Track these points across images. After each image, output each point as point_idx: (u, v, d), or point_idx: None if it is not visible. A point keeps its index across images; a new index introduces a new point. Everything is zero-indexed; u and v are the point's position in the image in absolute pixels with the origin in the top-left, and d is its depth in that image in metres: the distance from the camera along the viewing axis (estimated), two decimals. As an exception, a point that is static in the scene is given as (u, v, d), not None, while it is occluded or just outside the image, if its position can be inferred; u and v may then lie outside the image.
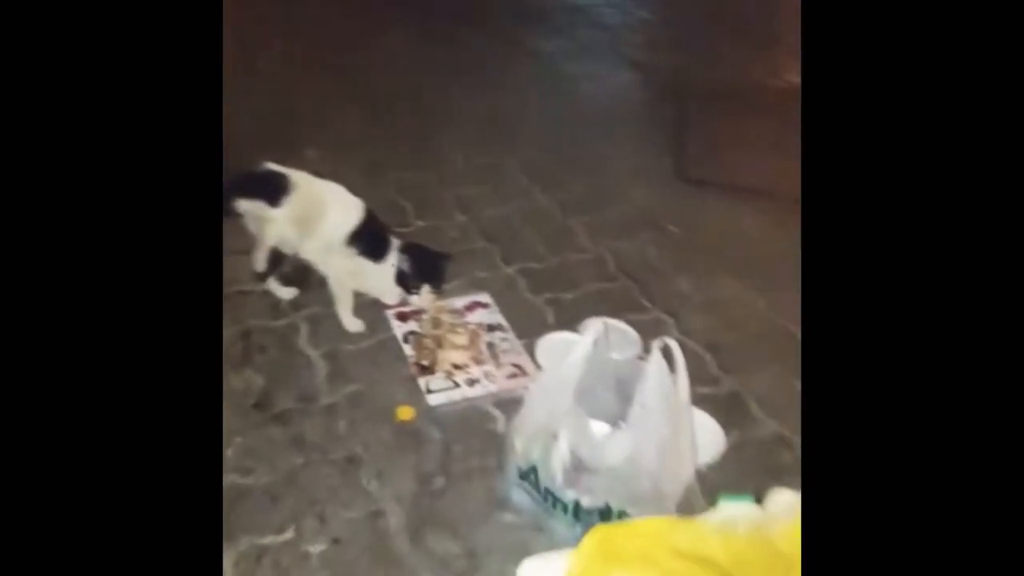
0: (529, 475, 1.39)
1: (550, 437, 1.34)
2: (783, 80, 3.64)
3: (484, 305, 2.01)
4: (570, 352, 1.34)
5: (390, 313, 1.93)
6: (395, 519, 1.42)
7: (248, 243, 1.86)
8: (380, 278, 1.86)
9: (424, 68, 3.38)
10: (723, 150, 2.86)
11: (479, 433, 1.62)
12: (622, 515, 1.30)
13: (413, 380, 1.74)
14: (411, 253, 1.87)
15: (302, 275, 1.95)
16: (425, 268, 1.87)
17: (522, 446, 1.38)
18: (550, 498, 1.35)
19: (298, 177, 1.76)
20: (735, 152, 2.84)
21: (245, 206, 1.73)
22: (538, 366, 1.79)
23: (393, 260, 1.86)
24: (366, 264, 1.83)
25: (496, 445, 1.56)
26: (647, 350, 1.72)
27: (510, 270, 2.16)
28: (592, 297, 2.07)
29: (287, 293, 1.92)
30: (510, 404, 1.66)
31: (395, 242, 1.88)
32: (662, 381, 1.27)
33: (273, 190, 1.71)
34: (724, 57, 3.85)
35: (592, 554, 0.91)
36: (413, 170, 2.56)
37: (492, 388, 1.73)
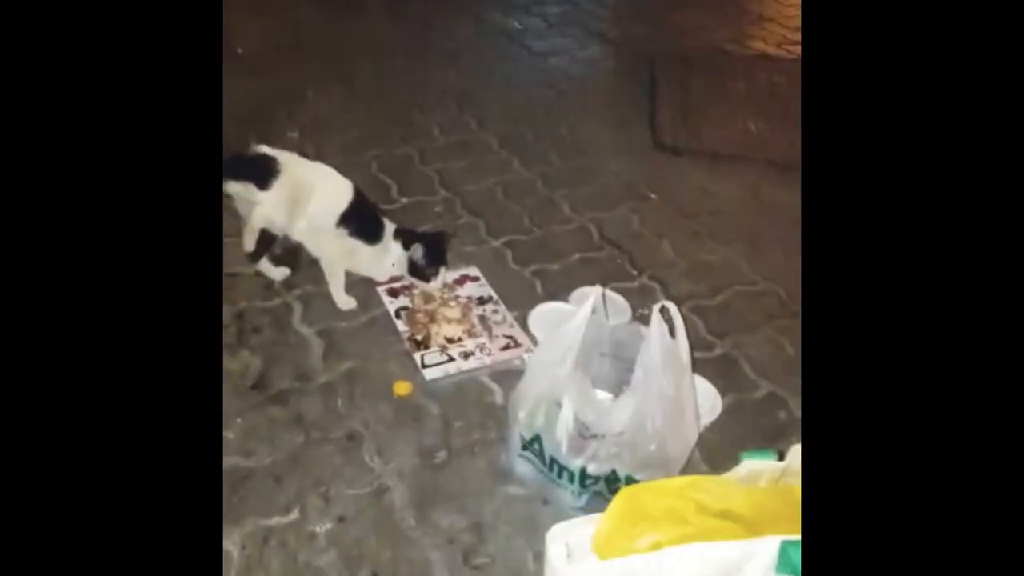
0: (533, 444, 1.34)
1: (553, 405, 1.29)
2: (748, 47, 3.61)
3: (474, 279, 1.94)
4: (566, 320, 1.28)
5: (381, 289, 1.86)
6: (399, 495, 1.36)
7: (238, 226, 1.79)
8: (375, 260, 1.79)
9: (398, 49, 3.28)
10: (694, 117, 2.83)
11: (478, 406, 1.57)
12: (628, 481, 1.27)
13: (408, 355, 1.68)
14: (416, 241, 1.78)
15: (292, 255, 1.87)
16: (434, 253, 1.79)
17: (525, 416, 1.33)
18: (555, 467, 1.31)
19: (286, 159, 1.67)
20: (706, 118, 2.82)
21: (234, 188, 1.64)
22: (531, 337, 1.74)
23: (390, 246, 1.79)
24: (360, 246, 1.75)
25: (495, 418, 1.52)
26: (637, 317, 1.74)
27: (496, 243, 2.09)
28: (578, 267, 2.02)
29: (278, 274, 1.83)
30: (506, 376, 1.62)
31: (389, 225, 1.80)
32: (663, 344, 1.22)
33: (262, 172, 1.63)
34: (689, 27, 3.81)
35: (621, 514, 0.88)
36: (393, 147, 2.48)
37: (487, 360, 1.68)
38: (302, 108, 2.62)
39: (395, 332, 1.75)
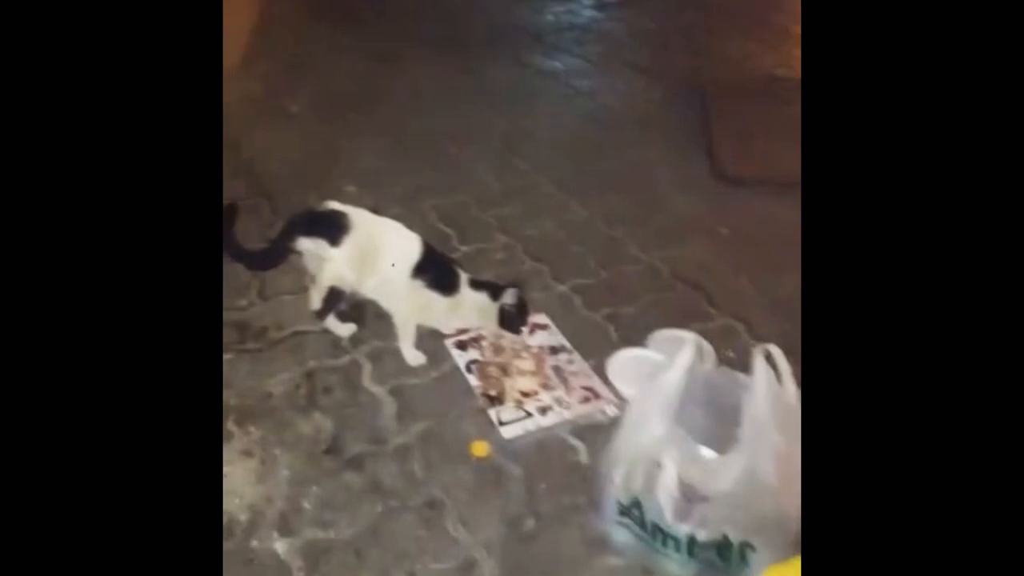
0: (632, 510, 1.23)
1: (653, 465, 1.19)
2: (795, 70, 3.51)
3: (543, 326, 1.86)
4: (657, 371, 1.19)
5: (449, 342, 1.79)
6: (489, 570, 1.27)
7: (302, 283, 1.77)
8: (450, 312, 1.73)
9: (445, 98, 3.26)
10: (754, 145, 2.74)
11: (561, 466, 1.47)
12: (743, 547, 1.14)
13: (483, 412, 1.60)
14: (498, 290, 1.73)
15: (358, 311, 1.84)
16: (523, 301, 1.73)
17: (621, 479, 1.22)
18: (659, 534, 1.20)
19: (356, 215, 1.64)
20: (766, 145, 2.72)
21: (305, 245, 1.61)
22: (611, 388, 1.63)
23: (466, 296, 1.73)
24: (435, 298, 1.70)
25: (582, 479, 1.43)
26: (723, 360, 1.63)
27: (563, 288, 2.01)
28: (653, 308, 1.92)
29: (346, 330, 1.78)
30: (589, 432, 1.53)
31: (463, 275, 1.74)
32: (771, 392, 1.11)
33: (333, 229, 1.60)
34: (736, 55, 3.74)
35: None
36: (448, 196, 2.43)
37: (567, 415, 1.58)
38: (355, 161, 2.61)
39: (467, 388, 1.67)
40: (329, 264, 1.61)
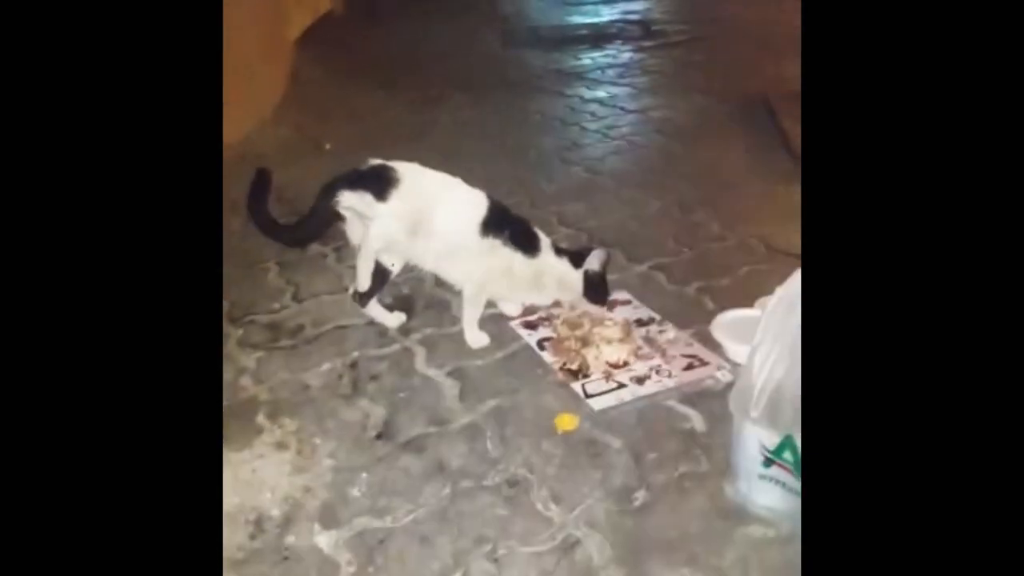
0: (782, 452, 0.96)
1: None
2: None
3: (624, 302, 1.65)
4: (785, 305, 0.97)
5: (515, 323, 1.61)
6: (597, 548, 1.01)
7: (340, 282, 1.72)
8: (533, 280, 1.52)
9: (488, 127, 3.19)
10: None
11: (672, 435, 1.23)
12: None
13: (564, 386, 1.38)
14: (583, 256, 1.53)
15: (407, 302, 1.69)
16: (605, 269, 1.54)
17: (761, 415, 0.96)
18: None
19: (406, 168, 1.46)
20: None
21: (348, 200, 1.43)
22: (719, 352, 1.40)
23: (549, 263, 1.52)
24: (518, 259, 1.48)
25: (701, 446, 1.18)
26: None
27: (642, 267, 1.82)
28: (752, 279, 1.71)
29: (394, 320, 1.61)
30: (700, 399, 1.30)
31: (544, 239, 1.54)
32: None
33: (379, 182, 1.42)
34: (789, 75, 3.62)
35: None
36: (501, 198, 2.26)
37: (669, 383, 1.35)
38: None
39: (541, 364, 1.45)
40: (376, 223, 1.43)
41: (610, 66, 4.24)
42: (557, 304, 1.60)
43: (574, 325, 1.53)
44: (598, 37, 5.10)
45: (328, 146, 3.08)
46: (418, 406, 1.35)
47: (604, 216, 2.14)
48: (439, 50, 5.21)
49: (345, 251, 1.88)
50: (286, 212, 2.24)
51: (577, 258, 1.53)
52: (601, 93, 3.65)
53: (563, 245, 1.60)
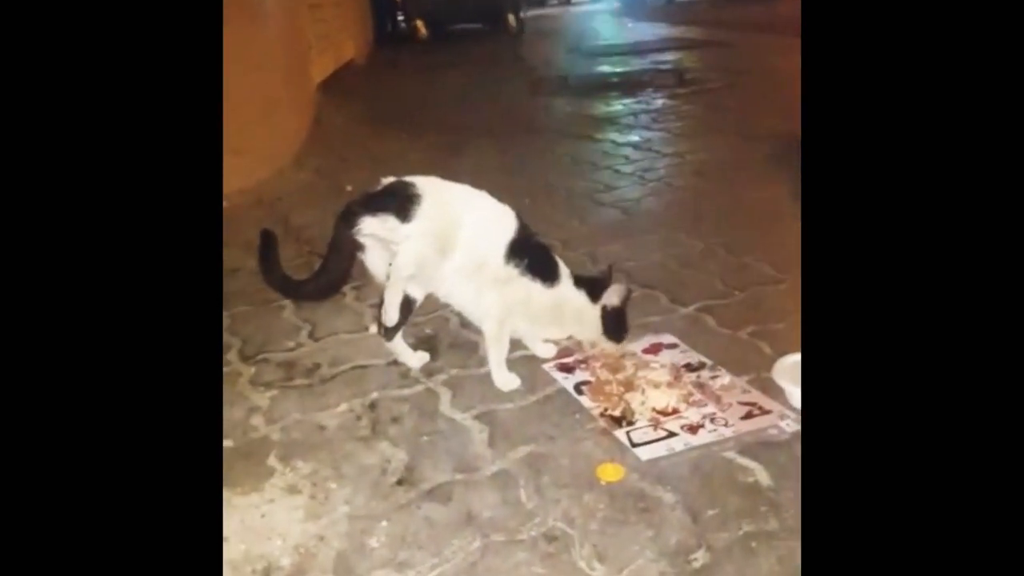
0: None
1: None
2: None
3: (670, 345, 1.57)
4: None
5: (549, 366, 1.54)
6: (652, 614, 0.90)
7: (358, 321, 1.73)
8: (552, 313, 1.48)
9: (514, 167, 3.22)
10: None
11: (733, 489, 1.14)
12: None
13: (606, 433, 1.30)
14: (604, 287, 1.49)
15: (430, 342, 1.66)
16: (626, 302, 1.50)
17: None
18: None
19: (424, 183, 1.41)
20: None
21: (369, 227, 1.37)
22: (780, 401, 1.33)
23: (567, 296, 1.49)
24: (536, 289, 1.44)
25: (766, 502, 1.10)
26: None
27: (688, 310, 1.75)
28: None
29: (417, 360, 1.57)
30: (764, 450, 1.21)
31: (563, 268, 1.51)
32: None
33: (401, 202, 1.36)
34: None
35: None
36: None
37: (727, 432, 1.26)
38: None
39: (579, 409, 1.38)
40: (404, 247, 1.37)
41: (643, 112, 4.28)
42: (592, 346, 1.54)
43: (616, 368, 1.46)
44: (629, 85, 5.18)
45: (349, 188, 3.09)
46: (443, 451, 1.28)
47: (642, 257, 2.09)
48: (463, 97, 5.33)
49: (365, 289, 1.85)
50: (305, 252, 2.24)
51: (596, 291, 1.48)
52: (634, 137, 3.67)
53: (583, 274, 1.55)
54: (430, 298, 1.54)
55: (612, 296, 1.47)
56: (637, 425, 1.31)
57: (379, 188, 1.42)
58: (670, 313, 1.74)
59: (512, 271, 1.42)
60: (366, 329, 1.74)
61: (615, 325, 1.48)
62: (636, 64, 6.27)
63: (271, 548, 1.07)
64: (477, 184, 1.48)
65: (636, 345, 1.57)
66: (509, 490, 1.16)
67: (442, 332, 1.71)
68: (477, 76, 6.33)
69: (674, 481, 1.16)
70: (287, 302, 1.87)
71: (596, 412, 1.35)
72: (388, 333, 1.51)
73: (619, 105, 4.55)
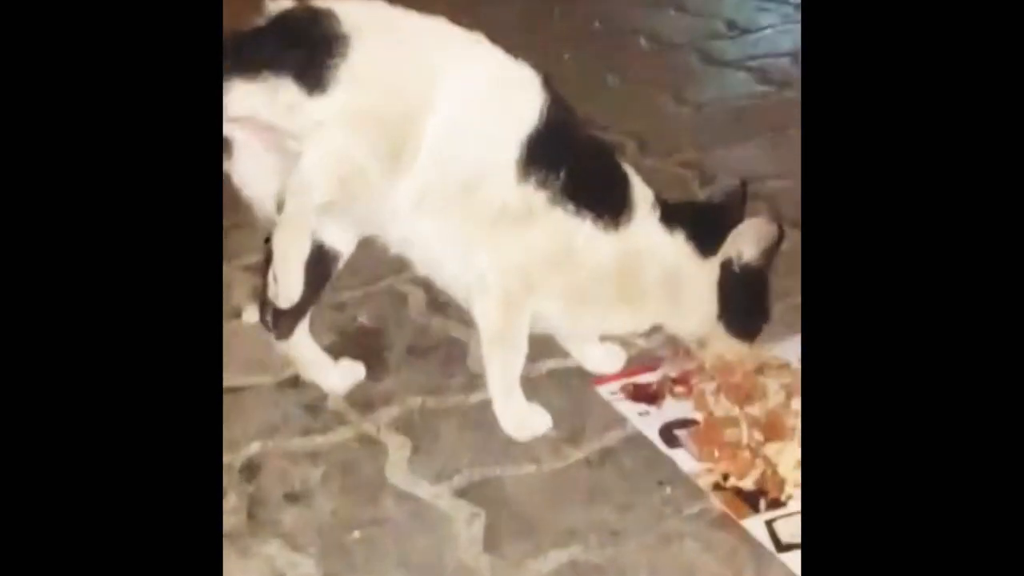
0: None
1: None
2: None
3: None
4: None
5: (607, 389, 1.63)
6: None
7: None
8: (619, 283, 1.52)
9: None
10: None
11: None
12: None
13: (726, 521, 1.37)
14: (695, 223, 1.54)
15: (368, 343, 1.74)
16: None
17: None
18: None
19: (358, 14, 1.38)
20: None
21: (244, 101, 1.34)
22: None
23: (648, 237, 1.51)
24: (584, 230, 1.45)
25: None
26: None
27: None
28: None
29: (340, 377, 1.61)
30: None
31: (640, 188, 1.52)
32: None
33: (309, 51, 1.34)
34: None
35: None
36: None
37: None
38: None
39: (675, 474, 1.46)
40: (318, 141, 1.35)
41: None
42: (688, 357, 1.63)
43: (746, 394, 1.52)
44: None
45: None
46: (392, 565, 1.30)
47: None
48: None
49: (234, 234, 1.79)
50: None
51: (708, 234, 1.51)
52: None
53: (681, 201, 1.65)
54: (369, 251, 1.56)
55: (743, 242, 1.48)
56: (789, 508, 1.36)
57: (265, 20, 1.38)
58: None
59: (535, 198, 1.42)
60: (236, 316, 1.80)
61: (748, 303, 1.52)
62: None
63: None
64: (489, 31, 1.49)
65: (786, 348, 1.63)
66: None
67: (392, 321, 1.78)
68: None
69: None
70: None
71: (707, 482, 1.42)
72: (282, 323, 1.52)
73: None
